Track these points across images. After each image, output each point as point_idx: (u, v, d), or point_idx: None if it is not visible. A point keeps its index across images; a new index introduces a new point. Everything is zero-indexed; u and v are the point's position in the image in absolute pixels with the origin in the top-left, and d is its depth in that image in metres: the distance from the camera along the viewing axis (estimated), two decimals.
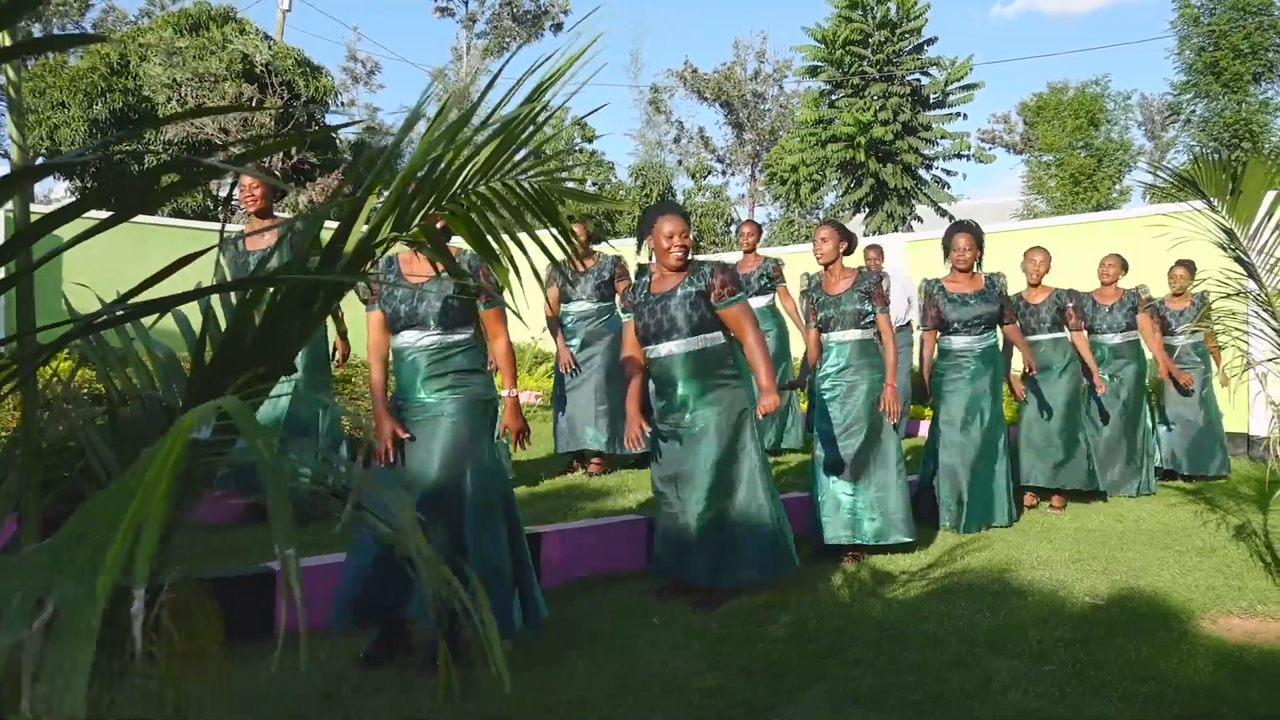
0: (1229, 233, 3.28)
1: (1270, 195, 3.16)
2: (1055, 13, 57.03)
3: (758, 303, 6.89)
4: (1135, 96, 32.24)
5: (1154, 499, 6.26)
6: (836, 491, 4.61)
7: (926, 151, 16.32)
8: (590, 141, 19.51)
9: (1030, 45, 62.42)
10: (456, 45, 27.57)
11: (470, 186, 1.61)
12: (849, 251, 4.80)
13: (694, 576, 3.86)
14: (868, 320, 4.65)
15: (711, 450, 3.81)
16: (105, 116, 14.84)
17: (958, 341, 5.27)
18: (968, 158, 16.12)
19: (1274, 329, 3.36)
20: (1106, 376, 6.29)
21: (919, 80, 16.43)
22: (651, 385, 4.08)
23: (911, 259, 9.91)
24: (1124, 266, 6.51)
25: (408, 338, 3.13)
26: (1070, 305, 5.81)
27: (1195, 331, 6.74)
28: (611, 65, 71.35)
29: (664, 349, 3.84)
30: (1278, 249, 3.27)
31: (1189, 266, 6.71)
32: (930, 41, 16.15)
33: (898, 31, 15.69)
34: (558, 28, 27.94)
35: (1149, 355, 6.63)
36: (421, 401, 3.08)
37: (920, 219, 17.08)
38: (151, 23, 15.50)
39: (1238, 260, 3.35)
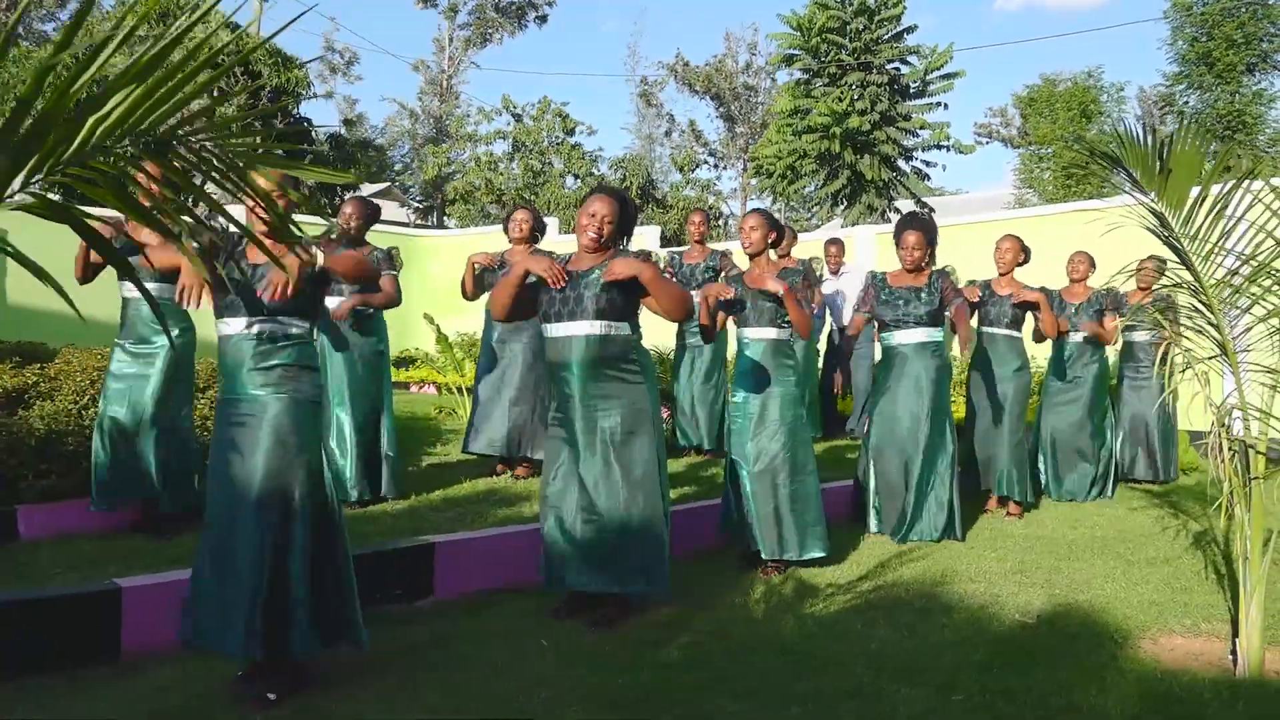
0: (1159, 217, 2.96)
1: (1210, 175, 2.85)
2: (1056, 6, 56.50)
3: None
4: (1133, 89, 31.91)
5: (1116, 504, 5.95)
6: (751, 497, 4.30)
7: (906, 142, 15.94)
8: (570, 134, 19.15)
9: (1034, 42, 61.90)
10: (439, 36, 27.25)
11: (112, 144, 1.30)
12: (777, 243, 4.49)
13: (581, 583, 3.56)
14: (785, 319, 4.33)
15: (606, 448, 3.51)
16: (69, 108, 14.52)
17: (896, 338, 4.96)
18: (947, 148, 15.75)
19: (1212, 324, 3.05)
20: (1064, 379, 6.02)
21: (898, 69, 16.05)
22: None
23: (880, 253, 9.57)
24: (1092, 264, 6.20)
25: (234, 324, 2.82)
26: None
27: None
28: (610, 59, 70.93)
29: (562, 329, 3.53)
30: (1220, 235, 2.96)
31: (1160, 262, 6.38)
32: (910, 29, 15.77)
33: (876, 19, 15.29)
34: (542, 20, 27.60)
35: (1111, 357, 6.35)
36: (247, 395, 2.77)
37: (900, 211, 16.71)
38: (114, 12, 15.17)
39: (1170, 248, 3.04)
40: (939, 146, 15.87)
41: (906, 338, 4.90)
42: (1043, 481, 6.10)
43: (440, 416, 8.25)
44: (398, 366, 11.24)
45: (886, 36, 15.49)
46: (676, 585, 4.05)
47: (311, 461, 2.80)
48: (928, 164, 16.58)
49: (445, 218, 19.30)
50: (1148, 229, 3.06)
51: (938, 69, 15.66)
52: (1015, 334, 5.63)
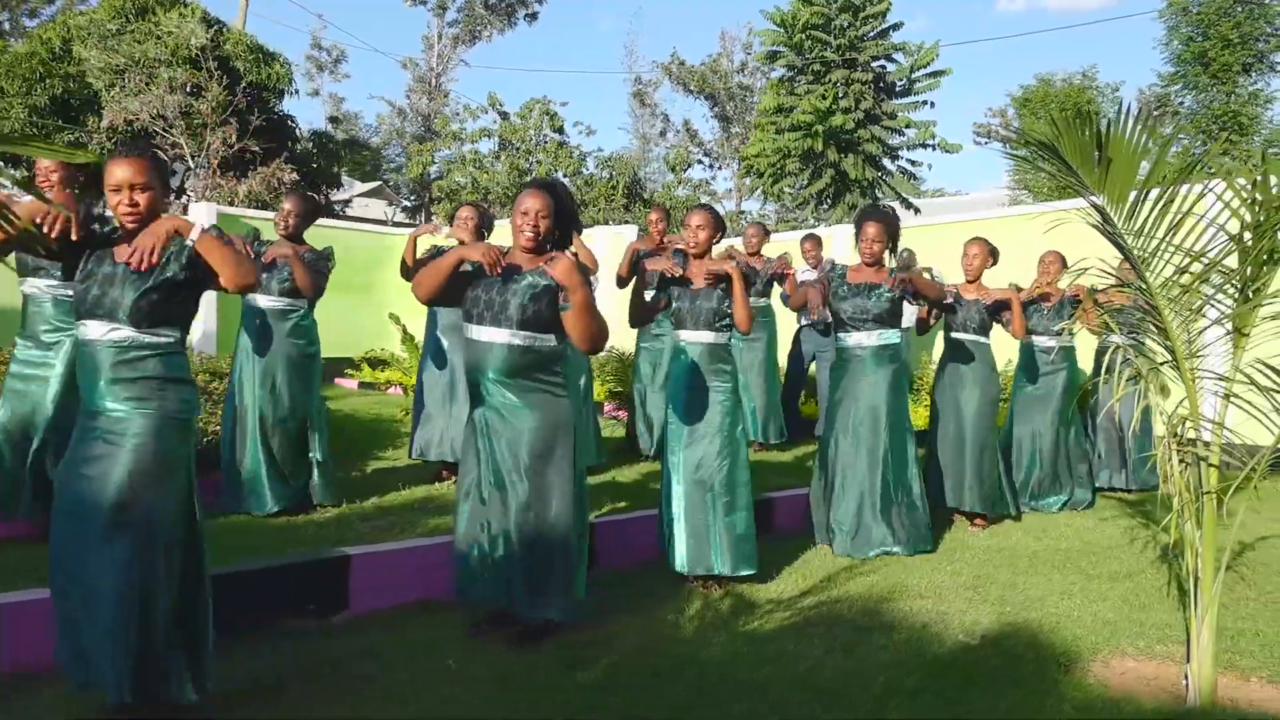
0: (1101, 211, 2.76)
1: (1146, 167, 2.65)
2: (1058, 7, 56.20)
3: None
4: (1131, 90, 31.65)
5: (1087, 514, 5.74)
6: (683, 510, 4.08)
7: (891, 141, 15.69)
8: (559, 131, 18.94)
9: (1034, 41, 61.61)
10: (428, 34, 27.01)
11: None
12: (717, 242, 4.29)
13: (490, 599, 3.36)
14: (724, 323, 4.12)
15: (519, 463, 3.30)
16: (45, 103, 14.36)
17: (852, 340, 4.74)
18: (933, 147, 15.51)
19: (1159, 328, 2.84)
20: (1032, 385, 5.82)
21: (884, 67, 15.81)
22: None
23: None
24: (1064, 264, 5.98)
25: (93, 329, 2.57)
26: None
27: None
28: (609, 58, 70.65)
29: (483, 333, 3.31)
30: (1167, 231, 2.75)
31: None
32: (895, 27, 15.52)
33: (861, 15, 15.03)
34: (532, 17, 27.35)
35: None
36: (105, 410, 2.52)
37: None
38: (93, 8, 14.97)
39: (1115, 245, 2.84)
40: (924, 145, 15.63)
41: (863, 339, 4.68)
42: (1015, 490, 5.87)
43: (404, 418, 8.04)
44: (373, 367, 11.04)
45: (872, 33, 15.25)
46: (612, 599, 3.88)
47: (179, 485, 2.57)
48: (914, 163, 16.34)
49: (432, 216, 19.10)
50: (1090, 225, 2.86)
51: (924, 66, 15.42)
52: (983, 340, 5.42)
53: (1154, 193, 2.69)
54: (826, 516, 4.75)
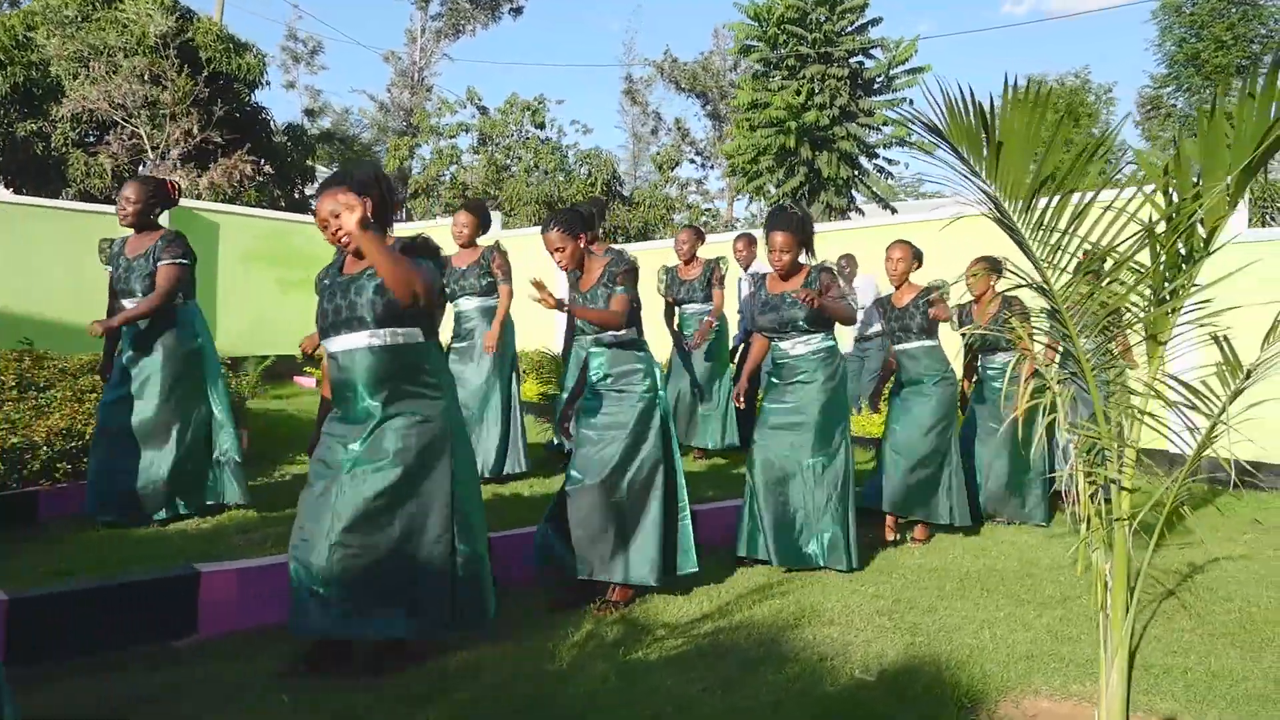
0: (995, 202, 2.44)
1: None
2: (1061, 9, 55.83)
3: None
4: (1128, 92, 31.28)
5: (1038, 531, 5.40)
6: (582, 518, 3.79)
7: (869, 139, 15.32)
8: (541, 128, 18.62)
9: (1036, 43, 61.21)
10: (411, 28, 26.60)
11: None
12: (591, 240, 4.00)
13: (322, 628, 3.03)
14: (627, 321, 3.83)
15: (390, 474, 3.00)
16: (6, 91, 14.04)
17: (782, 347, 4.44)
18: (911, 145, 15.14)
19: (1065, 334, 2.52)
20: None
21: (861, 63, 15.44)
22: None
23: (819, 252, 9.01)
24: (997, 269, 5.65)
25: None
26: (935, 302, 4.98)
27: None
28: (607, 56, 70.28)
29: (342, 342, 3.04)
30: (1069, 222, 2.43)
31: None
32: (874, 22, 15.14)
33: (838, 9, 14.64)
34: (517, 11, 26.95)
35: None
36: None
37: (861, 211, 16.10)
38: None
39: (1013, 239, 2.52)
40: (903, 143, 15.27)
41: (792, 348, 4.39)
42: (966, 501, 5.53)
43: None
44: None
45: (849, 29, 14.88)
46: (498, 621, 3.58)
47: None
48: (890, 162, 15.95)
49: (412, 212, 18.79)
50: (986, 216, 2.54)
51: (902, 63, 15.07)
52: (930, 342, 5.11)
53: (1036, 175, 2.37)
54: (750, 529, 4.45)
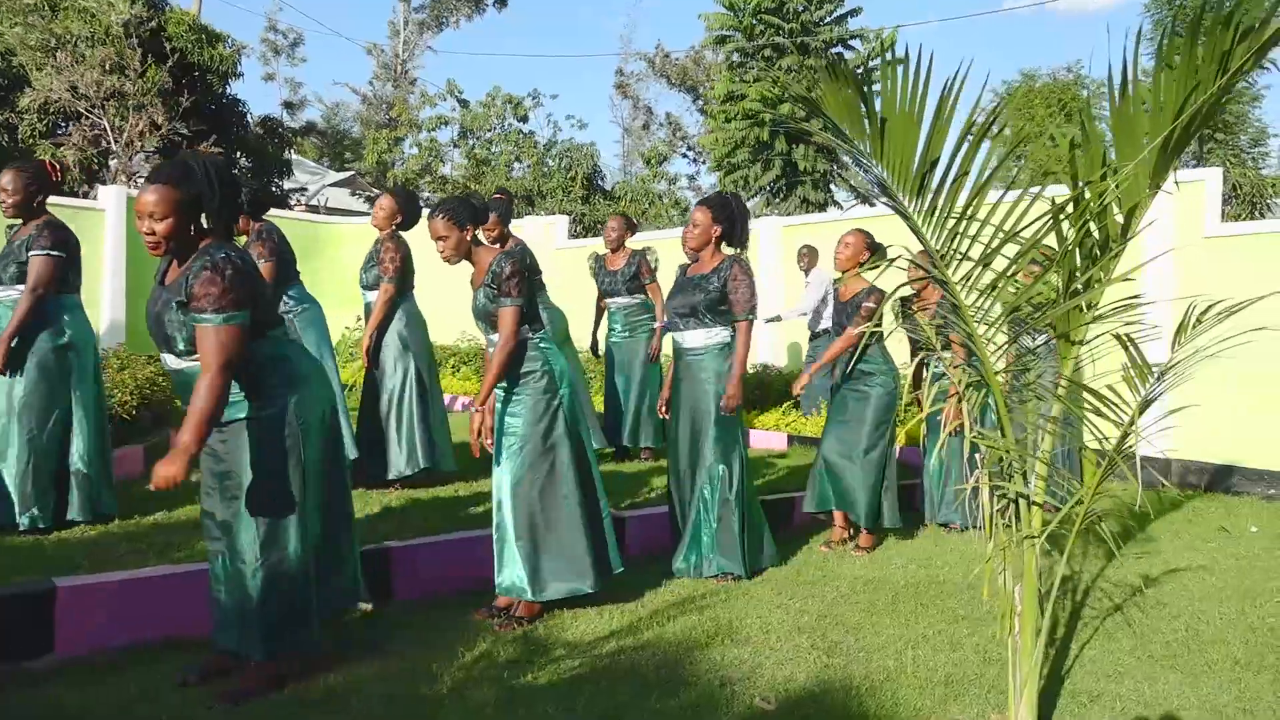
0: (883, 186, 2.18)
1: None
2: (1066, 9, 55.41)
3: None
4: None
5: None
6: (500, 525, 3.56)
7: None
8: (524, 120, 18.34)
9: (1039, 39, 60.69)
10: (394, 19, 26.24)
11: None
12: (481, 217, 3.74)
13: (220, 645, 2.82)
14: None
15: (224, 490, 2.76)
16: None
17: (678, 336, 4.22)
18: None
19: (965, 330, 2.27)
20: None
21: (840, 54, 15.14)
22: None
23: (786, 249, 8.76)
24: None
25: None
26: (870, 303, 4.71)
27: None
28: (602, 51, 69.94)
29: (168, 361, 2.81)
30: (967, 208, 2.17)
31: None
32: (854, 12, 14.83)
33: None
34: (502, 3, 26.63)
35: None
36: None
37: (840, 205, 15.81)
38: None
39: (909, 225, 2.26)
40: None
41: (686, 338, 4.16)
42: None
43: None
44: None
45: (828, 19, 14.59)
46: (386, 638, 3.34)
47: None
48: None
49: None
50: (881, 202, 2.29)
51: (883, 53, 14.75)
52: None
53: (923, 155, 2.11)
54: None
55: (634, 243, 6.60)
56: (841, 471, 4.76)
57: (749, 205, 17.18)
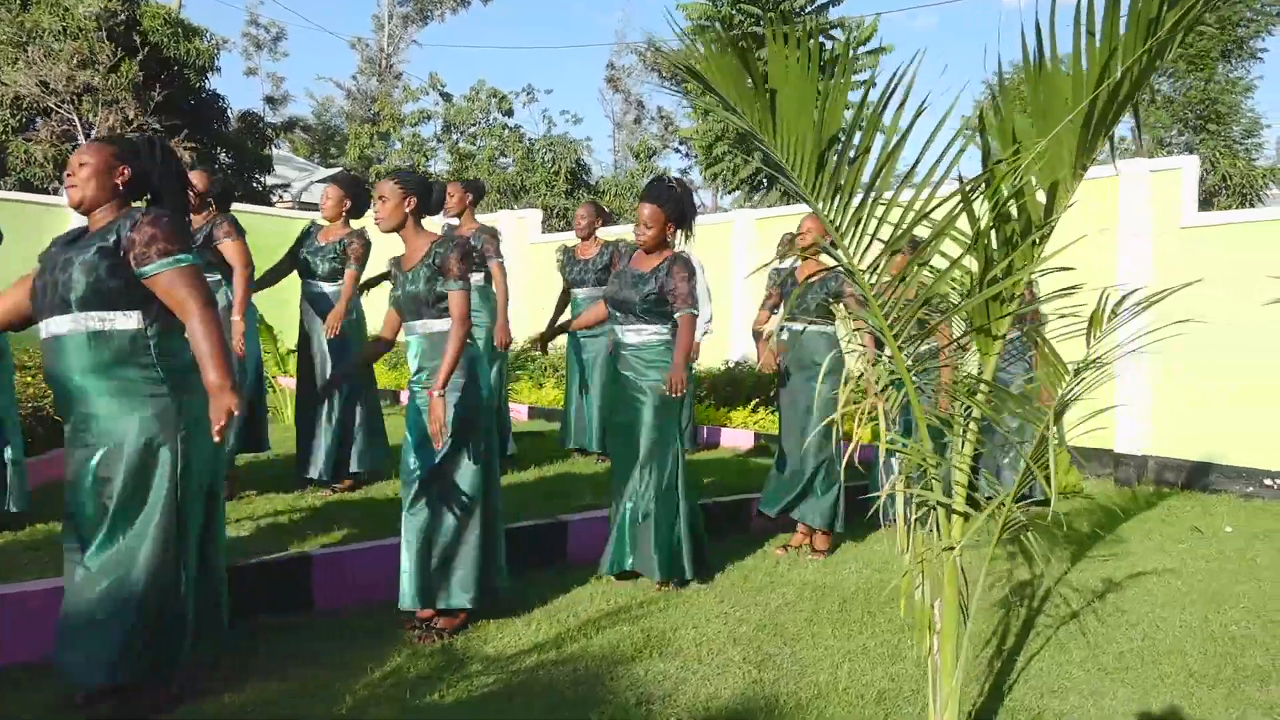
0: (777, 165, 1.99)
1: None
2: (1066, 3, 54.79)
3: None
4: None
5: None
6: (407, 536, 3.37)
7: None
8: (509, 115, 18.13)
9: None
10: (378, 13, 25.91)
11: None
12: (434, 203, 3.54)
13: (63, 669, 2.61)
14: (445, 306, 3.38)
15: (93, 491, 2.57)
16: None
17: (616, 334, 4.02)
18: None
19: (875, 323, 2.07)
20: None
21: (822, 44, 14.87)
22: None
23: (761, 241, 8.56)
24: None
25: None
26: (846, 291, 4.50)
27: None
28: (599, 51, 69.56)
29: (50, 327, 2.61)
30: (873, 188, 1.98)
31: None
32: (835, 1, 14.60)
33: None
34: None
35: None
36: None
37: (881, 204, 15.40)
38: None
39: (811, 207, 2.07)
40: (860, 128, 14.75)
41: (626, 334, 3.96)
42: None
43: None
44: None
45: (809, 7, 14.34)
46: (295, 651, 3.16)
47: None
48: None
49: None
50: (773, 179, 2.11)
51: (863, 43, 14.54)
52: (825, 327, 4.60)
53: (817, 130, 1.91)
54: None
55: (612, 235, 6.42)
56: (793, 470, 4.57)
57: (729, 198, 16.95)
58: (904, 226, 1.99)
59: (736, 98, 1.92)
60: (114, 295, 2.59)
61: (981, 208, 1.96)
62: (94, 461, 2.57)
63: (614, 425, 4.04)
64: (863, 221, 2.00)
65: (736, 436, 7.25)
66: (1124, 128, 20.94)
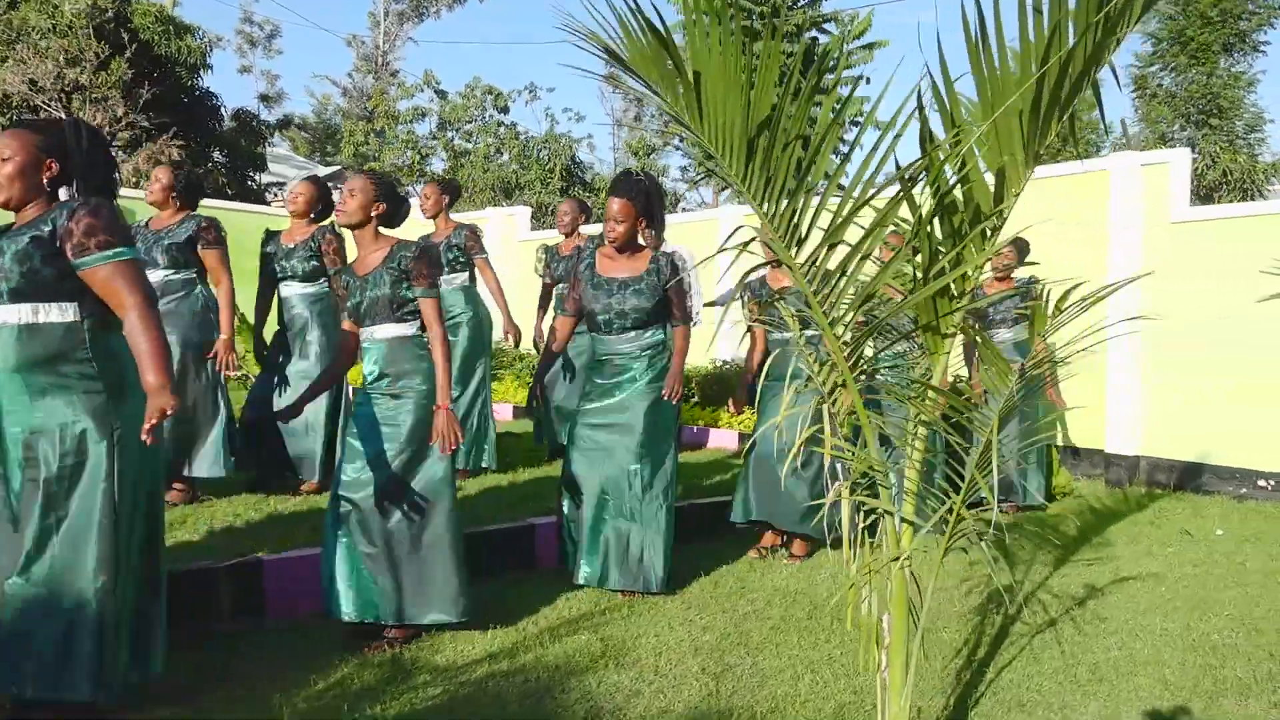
0: (706, 152, 1.87)
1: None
2: None
3: (450, 281, 5.49)
4: (1120, 72, 30.42)
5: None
6: (351, 547, 3.24)
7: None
8: (505, 112, 18.01)
9: None
10: (373, 10, 25.76)
11: None
12: (400, 216, 3.44)
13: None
14: (408, 311, 3.26)
15: (31, 492, 2.46)
16: None
17: (605, 343, 3.88)
18: (859, 124, 14.48)
19: (817, 321, 1.95)
20: None
21: (815, 38, 14.74)
22: None
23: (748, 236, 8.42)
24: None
25: None
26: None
27: (1018, 324, 5.31)
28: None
29: None
30: (811, 176, 1.86)
31: (1019, 245, 5.26)
32: None
33: None
34: None
35: None
36: None
37: (816, 194, 15.33)
38: None
39: (741, 195, 1.96)
40: (854, 123, 14.61)
41: (619, 344, 3.82)
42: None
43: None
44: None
45: (801, 1, 14.17)
46: (259, 660, 3.06)
47: None
48: (842, 141, 15.26)
49: None
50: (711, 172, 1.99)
51: (857, 37, 14.39)
52: (810, 333, 4.49)
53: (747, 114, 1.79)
54: (571, 544, 3.91)
55: (597, 231, 6.27)
56: (775, 478, 4.44)
57: (725, 194, 16.78)
58: (843, 215, 1.87)
59: (661, 83, 1.80)
60: (48, 286, 2.49)
61: (923, 195, 1.84)
62: (23, 460, 2.47)
63: (596, 433, 3.86)
64: (798, 213, 1.87)
65: (723, 437, 7.13)
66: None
